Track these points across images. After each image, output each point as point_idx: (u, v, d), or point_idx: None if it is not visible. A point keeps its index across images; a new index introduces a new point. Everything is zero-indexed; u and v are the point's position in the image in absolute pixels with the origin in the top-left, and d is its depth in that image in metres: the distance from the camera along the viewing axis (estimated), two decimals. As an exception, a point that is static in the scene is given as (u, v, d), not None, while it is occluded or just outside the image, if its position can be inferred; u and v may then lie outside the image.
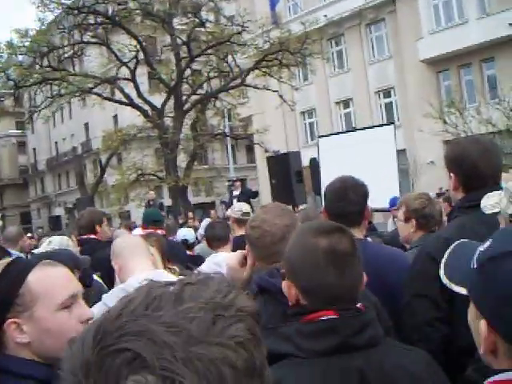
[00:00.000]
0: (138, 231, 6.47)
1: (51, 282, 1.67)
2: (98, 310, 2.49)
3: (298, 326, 1.67)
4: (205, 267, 3.79)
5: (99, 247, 4.71)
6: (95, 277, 3.96)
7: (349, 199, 2.81)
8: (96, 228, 5.00)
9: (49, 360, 1.62)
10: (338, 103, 33.69)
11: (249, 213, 5.28)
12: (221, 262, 3.28)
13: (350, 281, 1.70)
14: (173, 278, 2.61)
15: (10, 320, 1.62)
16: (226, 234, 4.99)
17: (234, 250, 3.57)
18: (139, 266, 2.81)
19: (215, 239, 4.92)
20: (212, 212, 20.57)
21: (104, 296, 2.76)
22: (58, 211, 45.97)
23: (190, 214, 21.05)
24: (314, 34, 25.78)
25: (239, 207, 5.58)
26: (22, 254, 4.87)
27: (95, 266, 4.09)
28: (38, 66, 26.47)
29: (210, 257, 4.22)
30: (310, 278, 1.69)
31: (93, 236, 4.97)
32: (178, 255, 5.30)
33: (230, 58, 26.16)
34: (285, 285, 1.78)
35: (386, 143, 9.49)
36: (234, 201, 15.24)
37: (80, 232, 5.15)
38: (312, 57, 25.04)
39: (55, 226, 39.66)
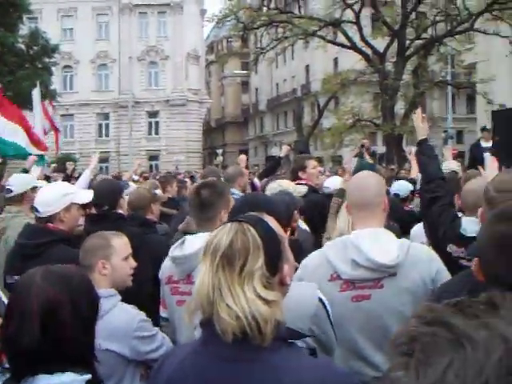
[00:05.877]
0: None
1: None
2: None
3: None
4: None
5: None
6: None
7: None
8: (298, 174, 5.76)
9: None
10: None
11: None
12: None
13: None
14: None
15: None
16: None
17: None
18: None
19: None
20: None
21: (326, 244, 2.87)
22: (275, 151, 48.06)
23: (407, 166, 20.68)
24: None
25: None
26: (241, 193, 5.00)
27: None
28: (265, 9, 27.47)
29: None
30: None
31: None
32: (395, 211, 4.66)
33: (458, -1, 24.61)
34: None
35: None
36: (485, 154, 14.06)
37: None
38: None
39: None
